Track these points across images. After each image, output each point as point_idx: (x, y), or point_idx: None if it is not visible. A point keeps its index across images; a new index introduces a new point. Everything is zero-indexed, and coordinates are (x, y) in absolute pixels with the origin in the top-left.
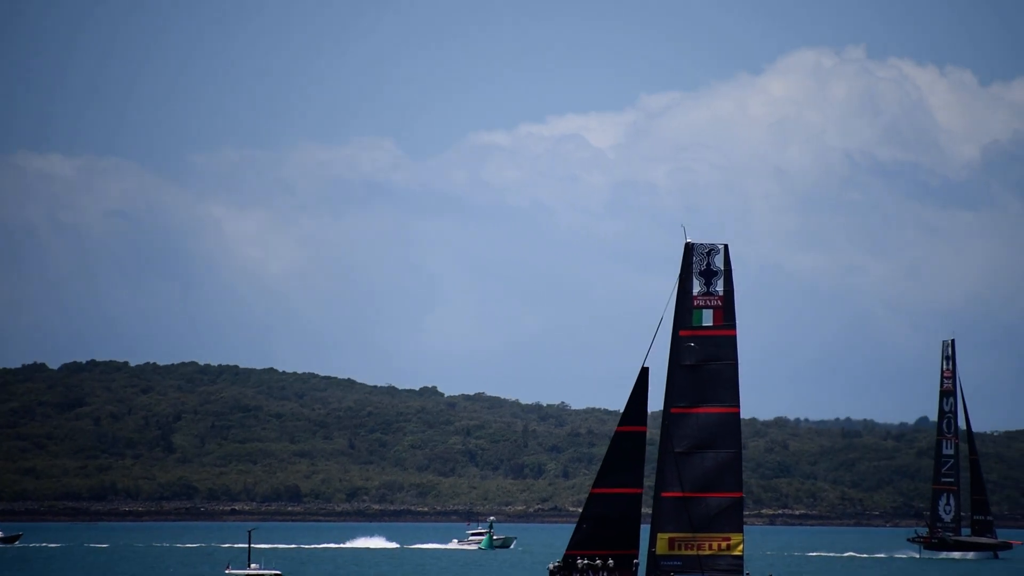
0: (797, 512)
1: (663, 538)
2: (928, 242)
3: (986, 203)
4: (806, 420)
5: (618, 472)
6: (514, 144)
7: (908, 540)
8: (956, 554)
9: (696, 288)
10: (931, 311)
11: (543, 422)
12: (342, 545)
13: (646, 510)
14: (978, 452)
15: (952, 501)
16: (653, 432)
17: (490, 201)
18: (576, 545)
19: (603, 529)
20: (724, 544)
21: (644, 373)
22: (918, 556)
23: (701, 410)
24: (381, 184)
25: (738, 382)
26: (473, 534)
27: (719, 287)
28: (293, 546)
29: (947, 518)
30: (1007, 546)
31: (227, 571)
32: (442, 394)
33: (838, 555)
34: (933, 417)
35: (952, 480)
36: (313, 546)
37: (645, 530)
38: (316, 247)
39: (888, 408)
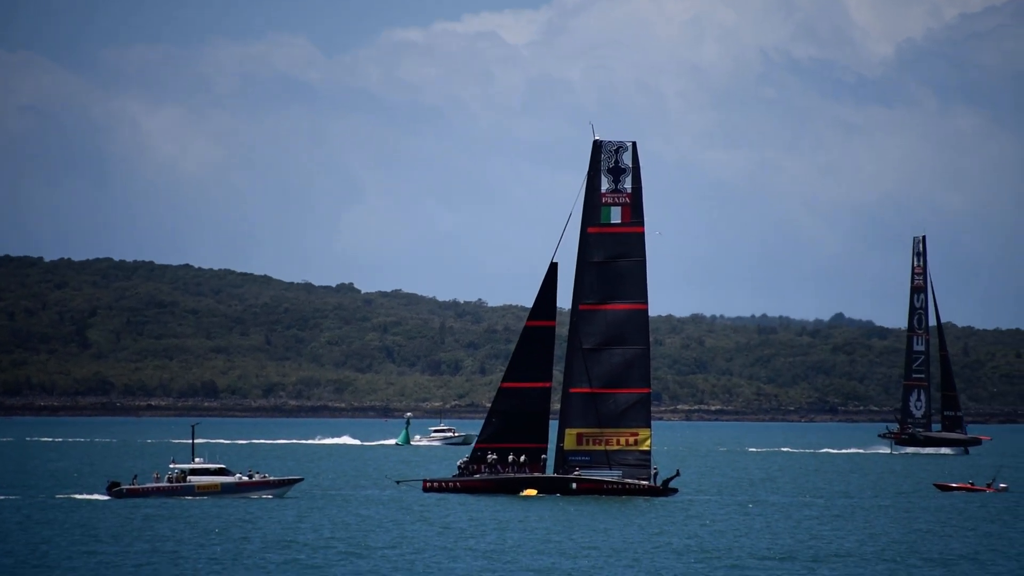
0: (713, 408)
1: (571, 433)
2: (844, 139)
3: (901, 100)
4: (722, 317)
5: (527, 366)
6: (429, 41)
7: (879, 436)
8: (927, 450)
9: (604, 185)
10: (847, 208)
11: (460, 319)
12: (309, 441)
13: (556, 406)
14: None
15: (923, 397)
16: (565, 328)
17: (405, 99)
18: (486, 439)
19: (513, 423)
20: (632, 439)
21: (553, 268)
22: (890, 451)
23: (609, 307)
24: (296, 81)
25: (646, 279)
26: (435, 430)
27: (627, 184)
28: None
29: (918, 414)
30: (976, 442)
31: (171, 465)
32: (359, 291)
33: (813, 452)
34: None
35: (923, 376)
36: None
37: (555, 425)
38: (232, 144)
39: (803, 305)
